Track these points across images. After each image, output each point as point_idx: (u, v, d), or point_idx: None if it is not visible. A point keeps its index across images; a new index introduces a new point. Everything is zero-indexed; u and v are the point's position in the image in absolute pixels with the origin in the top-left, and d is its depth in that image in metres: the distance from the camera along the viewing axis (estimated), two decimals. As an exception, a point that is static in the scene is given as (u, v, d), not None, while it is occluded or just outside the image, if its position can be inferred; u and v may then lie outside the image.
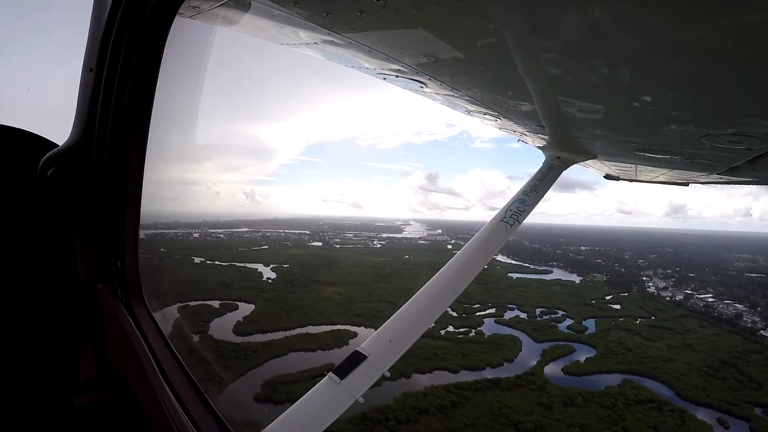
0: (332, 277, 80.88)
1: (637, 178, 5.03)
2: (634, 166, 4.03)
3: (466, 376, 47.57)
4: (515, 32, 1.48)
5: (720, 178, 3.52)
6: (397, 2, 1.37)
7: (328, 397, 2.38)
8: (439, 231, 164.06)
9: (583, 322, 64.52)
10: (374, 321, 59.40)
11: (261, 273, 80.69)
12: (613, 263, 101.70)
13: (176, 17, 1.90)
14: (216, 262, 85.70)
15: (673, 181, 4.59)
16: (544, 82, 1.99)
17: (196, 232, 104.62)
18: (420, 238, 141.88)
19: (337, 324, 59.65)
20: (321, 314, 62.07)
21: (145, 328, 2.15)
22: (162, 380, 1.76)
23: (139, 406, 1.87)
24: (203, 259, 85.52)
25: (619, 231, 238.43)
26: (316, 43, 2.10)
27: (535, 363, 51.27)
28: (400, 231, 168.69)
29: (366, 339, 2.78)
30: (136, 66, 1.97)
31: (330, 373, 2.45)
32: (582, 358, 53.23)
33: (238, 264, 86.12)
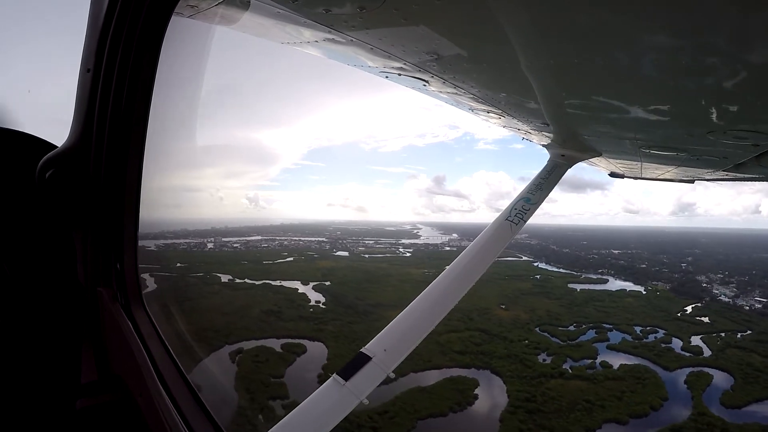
0: (389, 297, 68.01)
1: (643, 176, 4.88)
2: (639, 163, 3.96)
3: (639, 428, 39.96)
4: (519, 29, 1.46)
5: (726, 174, 3.51)
6: None
7: (332, 399, 2.31)
8: (455, 235, 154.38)
9: (691, 341, 58.64)
10: (486, 360, 48.27)
11: (305, 295, 68.50)
12: (661, 268, 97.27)
13: (174, 16, 1.86)
14: (247, 281, 73.40)
15: (679, 178, 4.56)
16: (548, 80, 1.96)
17: (209, 242, 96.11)
18: (443, 244, 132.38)
19: (442, 367, 47.23)
20: (417, 354, 48.64)
21: (144, 332, 2.14)
22: (159, 384, 1.79)
23: (139, 410, 1.90)
24: (231, 277, 73.92)
25: (631, 231, 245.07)
26: (317, 41, 2.03)
27: (692, 400, 44.17)
28: (417, 236, 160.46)
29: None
30: (134, 66, 1.95)
31: (335, 375, 2.37)
32: (727, 386, 47.58)
33: (272, 282, 73.56)
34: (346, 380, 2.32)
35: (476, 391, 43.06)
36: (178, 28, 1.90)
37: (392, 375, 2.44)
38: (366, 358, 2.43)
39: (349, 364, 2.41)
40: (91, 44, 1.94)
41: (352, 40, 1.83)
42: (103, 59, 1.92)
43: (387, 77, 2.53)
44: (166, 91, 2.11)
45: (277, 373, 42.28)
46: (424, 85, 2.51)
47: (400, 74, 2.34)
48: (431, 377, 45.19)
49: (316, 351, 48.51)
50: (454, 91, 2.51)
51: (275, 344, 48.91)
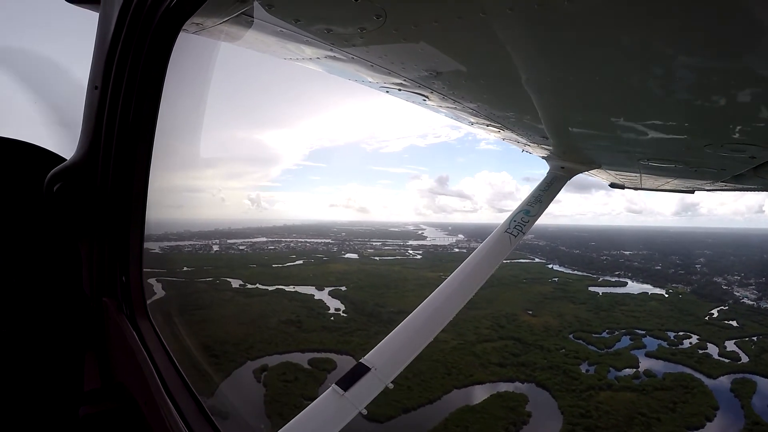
0: (410, 304, 61.32)
1: (643, 186, 4.99)
2: (638, 175, 4.03)
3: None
4: (518, 47, 1.50)
5: (725, 185, 3.54)
6: (397, 19, 1.38)
7: (331, 409, 2.31)
8: (461, 236, 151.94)
9: (726, 347, 56.72)
10: (529, 372, 45.49)
11: (323, 302, 65.02)
12: (677, 270, 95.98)
13: (180, 33, 1.91)
14: (259, 286, 69.43)
15: (679, 188, 4.61)
16: (547, 95, 2.00)
17: (214, 243, 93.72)
18: (452, 246, 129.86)
19: (485, 382, 45.15)
20: (456, 369, 45.48)
21: (148, 342, 2.19)
22: (164, 393, 1.83)
23: (143, 417, 1.95)
24: (242, 282, 70.55)
25: (635, 231, 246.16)
26: (318, 58, 2.08)
27: (742, 408, 42.90)
28: (423, 237, 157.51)
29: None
30: (141, 83, 2.00)
31: (333, 385, 2.38)
32: (771, 392, 45.78)
33: (286, 288, 69.49)
34: (345, 390, 2.29)
35: (527, 408, 40.14)
36: (183, 43, 1.93)
37: (391, 385, 2.42)
38: (365, 369, 2.41)
39: (348, 375, 2.38)
40: (98, 63, 1.98)
41: (352, 58, 1.85)
42: (111, 78, 1.96)
43: (387, 92, 2.55)
44: (171, 104, 2.11)
45: (310, 393, 38.03)
46: (424, 100, 2.54)
47: (400, 89, 2.36)
48: (477, 394, 42.51)
49: (347, 366, 42.72)
50: (454, 105, 2.51)
51: (301, 359, 45.27)
